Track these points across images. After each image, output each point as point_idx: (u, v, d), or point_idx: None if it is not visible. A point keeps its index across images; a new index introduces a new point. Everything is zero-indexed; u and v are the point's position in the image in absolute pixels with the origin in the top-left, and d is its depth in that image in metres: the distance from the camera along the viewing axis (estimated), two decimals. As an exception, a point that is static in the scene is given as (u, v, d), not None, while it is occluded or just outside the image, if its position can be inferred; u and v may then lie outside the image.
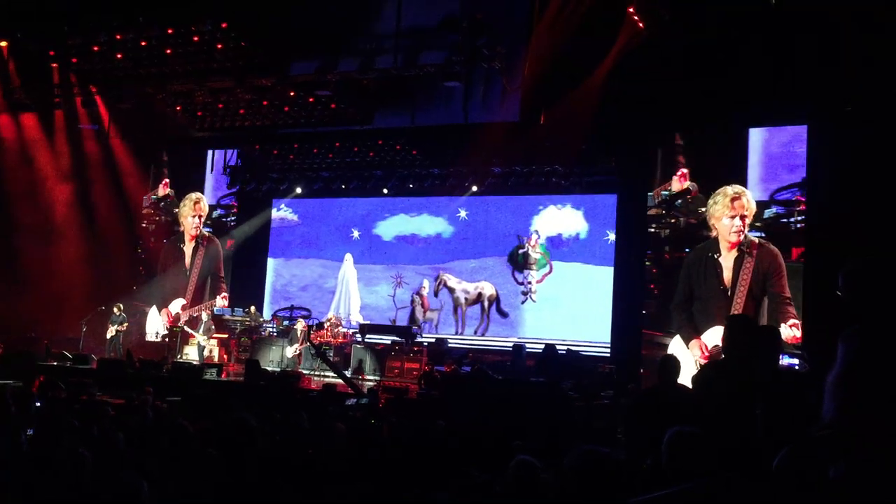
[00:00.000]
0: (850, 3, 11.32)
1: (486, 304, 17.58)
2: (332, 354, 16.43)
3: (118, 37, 14.26)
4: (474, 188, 17.36)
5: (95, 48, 14.72)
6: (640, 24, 13.23)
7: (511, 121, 14.08)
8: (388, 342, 16.67)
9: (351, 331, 17.61)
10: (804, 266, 13.62)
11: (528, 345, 15.06)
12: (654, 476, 3.77)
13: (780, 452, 3.01)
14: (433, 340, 16.76)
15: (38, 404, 8.76)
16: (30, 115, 17.80)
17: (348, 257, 19.15)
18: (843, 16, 11.35)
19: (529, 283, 17.28)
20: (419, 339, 16.58)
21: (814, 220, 13.63)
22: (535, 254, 17.29)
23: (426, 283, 18.20)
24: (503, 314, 17.49)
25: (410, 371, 15.59)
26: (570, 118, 13.97)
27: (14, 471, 4.97)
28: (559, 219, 17.43)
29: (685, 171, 14.67)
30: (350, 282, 19.07)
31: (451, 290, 17.86)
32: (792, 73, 12.34)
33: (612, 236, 16.63)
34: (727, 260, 13.91)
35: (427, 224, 18.55)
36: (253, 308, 17.93)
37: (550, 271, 17.20)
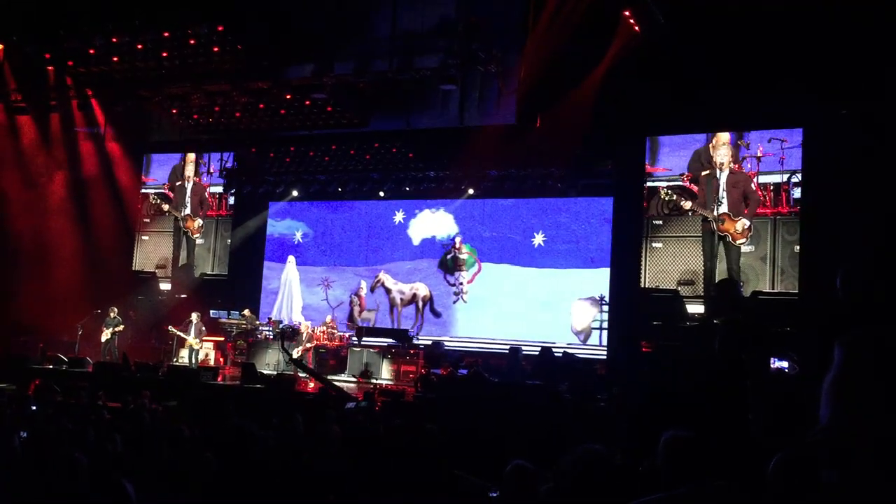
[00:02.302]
0: (847, 6, 11.37)
1: (420, 304, 18.20)
2: (327, 358, 16.46)
3: (114, 40, 14.29)
4: (470, 191, 17.38)
5: (91, 51, 14.74)
6: (636, 28, 13.26)
7: (507, 124, 14.10)
8: (384, 345, 16.65)
9: (347, 334, 17.61)
10: (799, 268, 13.65)
11: (493, 346, 15.93)
12: (650, 479, 3.77)
13: (775, 457, 3.02)
14: (429, 343, 16.75)
15: (33, 408, 8.77)
16: (26, 117, 17.76)
17: (291, 259, 19.65)
18: (838, 17, 11.39)
19: (461, 283, 17.93)
20: (416, 342, 16.58)
21: (809, 221, 13.62)
22: (463, 255, 17.96)
23: (364, 284, 18.81)
24: (436, 314, 18.09)
25: (407, 374, 15.58)
26: (566, 121, 13.98)
27: (7, 474, 4.96)
28: (433, 222, 18.43)
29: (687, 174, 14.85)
30: (293, 283, 19.58)
31: (388, 291, 18.49)
32: (788, 76, 12.35)
33: (538, 239, 17.24)
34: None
35: (367, 224, 19.21)
36: (248, 311, 17.89)
37: (480, 270, 17.84)
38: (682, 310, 13.47)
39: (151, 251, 20.30)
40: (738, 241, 14.26)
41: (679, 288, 14.44)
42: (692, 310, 13.74)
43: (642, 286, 14.80)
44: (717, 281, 13.87)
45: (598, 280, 16.46)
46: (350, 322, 18.37)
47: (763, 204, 14.16)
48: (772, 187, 14.19)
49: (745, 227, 14.16)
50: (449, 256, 18.07)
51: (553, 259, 17.14)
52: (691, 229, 14.75)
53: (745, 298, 12.30)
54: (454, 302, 17.98)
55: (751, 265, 14.20)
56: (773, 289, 13.89)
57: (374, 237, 19.03)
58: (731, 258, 14.38)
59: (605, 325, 16.20)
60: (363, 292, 18.74)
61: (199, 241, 19.80)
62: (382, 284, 18.48)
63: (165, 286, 19.57)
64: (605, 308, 16.15)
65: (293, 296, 19.47)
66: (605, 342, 16.15)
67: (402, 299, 18.31)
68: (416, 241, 18.54)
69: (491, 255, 17.75)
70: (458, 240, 18.01)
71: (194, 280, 19.31)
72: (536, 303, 16.98)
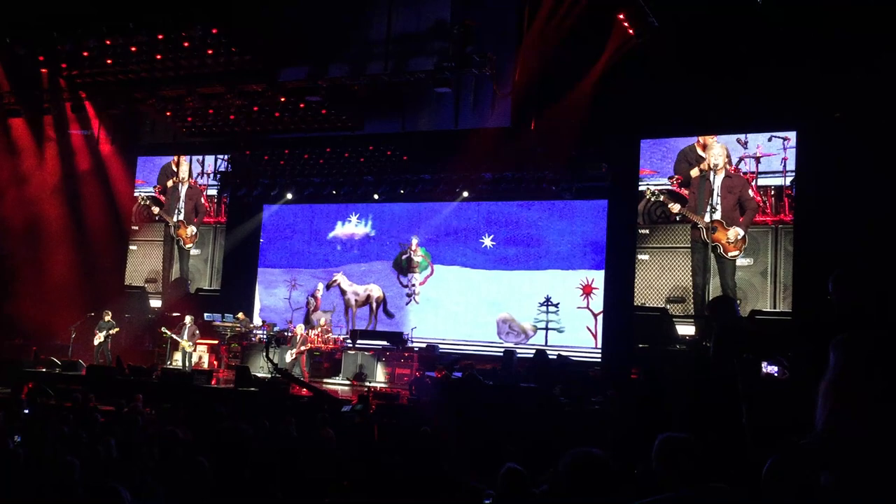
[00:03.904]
0: (841, 9, 11.39)
1: (374, 305, 18.56)
2: (321, 361, 16.46)
3: (108, 42, 14.25)
4: (465, 194, 17.36)
5: (85, 53, 14.70)
6: (630, 31, 13.29)
7: (501, 126, 14.10)
8: (379, 347, 16.65)
9: (341, 337, 17.60)
10: (793, 271, 13.01)
11: (487, 349, 16.23)
12: (646, 481, 3.78)
13: (769, 459, 3.03)
14: (424, 346, 16.75)
15: (26, 411, 8.75)
16: (19, 120, 17.71)
17: None
18: (833, 21, 11.42)
19: (413, 285, 18.24)
20: (410, 345, 16.57)
21: (802, 224, 13.23)
22: (417, 257, 18.29)
23: (320, 286, 19.10)
24: (389, 315, 18.38)
25: (401, 377, 15.56)
26: (560, 124, 13.99)
27: (2, 477, 4.95)
28: (351, 227, 18.97)
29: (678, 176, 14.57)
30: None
31: (343, 292, 18.85)
32: (781, 79, 12.35)
33: (487, 241, 17.48)
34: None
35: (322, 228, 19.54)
36: (242, 314, 17.84)
37: (432, 273, 18.12)
38: (671, 331, 12.49)
39: (140, 263, 19.82)
40: (730, 253, 13.10)
41: (668, 306, 13.42)
42: (683, 331, 12.68)
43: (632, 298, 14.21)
44: (710, 299, 12.63)
45: (547, 281, 16.74)
46: (305, 323, 18.45)
47: (763, 211, 12.96)
48: (773, 191, 12.92)
49: (739, 236, 13.03)
50: (404, 257, 18.40)
51: (501, 261, 17.43)
52: (681, 239, 13.78)
53: (742, 319, 11.38)
54: (406, 303, 18.21)
55: (749, 281, 12.94)
56: (774, 307, 12.57)
57: (332, 240, 19.24)
58: (726, 272, 13.11)
59: (552, 325, 16.35)
60: (319, 293, 19.03)
61: (193, 252, 19.44)
62: (338, 285, 18.82)
63: (156, 303, 19.14)
64: (553, 309, 16.34)
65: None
66: (551, 342, 16.16)
67: (356, 300, 18.66)
68: (337, 247, 19.03)
69: (442, 257, 18.05)
70: (414, 241, 18.27)
71: (189, 297, 18.84)
72: (486, 304, 17.30)
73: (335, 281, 18.78)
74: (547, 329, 16.51)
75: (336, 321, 18.50)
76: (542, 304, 16.63)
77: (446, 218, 18.08)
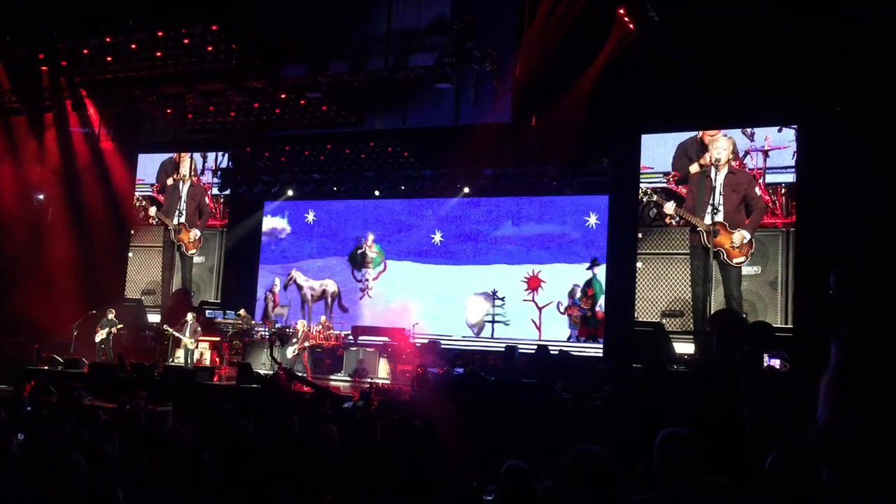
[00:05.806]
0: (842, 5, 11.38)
1: (329, 300, 18.95)
2: (323, 358, 16.47)
3: (108, 40, 14.25)
4: (466, 189, 17.34)
5: (85, 51, 14.70)
6: (631, 26, 13.27)
7: (502, 122, 14.09)
8: (381, 343, 16.65)
9: (343, 333, 17.61)
10: (794, 265, 12.53)
11: (489, 345, 16.42)
12: (648, 477, 3.78)
13: (771, 455, 3.03)
14: (426, 342, 16.75)
15: (28, 409, 8.75)
16: (20, 118, 17.70)
17: None
18: (834, 16, 11.40)
19: (366, 280, 18.52)
20: (412, 341, 16.58)
21: (804, 218, 12.92)
22: (372, 253, 18.67)
23: (277, 281, 19.35)
24: (344, 309, 18.73)
25: (403, 373, 15.56)
26: (561, 119, 13.98)
27: (6, 475, 4.96)
28: (274, 222, 19.47)
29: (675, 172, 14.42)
30: None
31: (300, 287, 19.18)
32: (781, 75, 12.31)
33: (437, 237, 17.77)
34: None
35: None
36: (244, 311, 17.82)
37: (385, 269, 18.44)
38: (667, 349, 11.55)
39: (137, 272, 19.36)
40: (735, 260, 12.00)
41: (664, 320, 12.32)
42: (681, 349, 11.68)
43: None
44: (712, 312, 11.69)
45: (493, 275, 17.04)
46: (264, 318, 18.56)
47: (772, 212, 11.90)
48: (783, 189, 11.75)
49: (744, 240, 11.99)
50: (359, 252, 18.70)
51: (449, 256, 17.75)
52: (678, 244, 12.72)
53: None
54: (360, 298, 18.46)
55: (756, 291, 11.82)
56: (784, 322, 11.41)
57: (291, 235, 19.46)
58: (731, 282, 11.96)
59: (498, 318, 16.63)
60: (276, 289, 19.25)
61: (197, 260, 19.06)
62: (294, 281, 19.12)
63: (154, 317, 18.51)
64: (498, 302, 16.71)
65: None
66: (496, 334, 16.48)
67: (312, 295, 18.99)
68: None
69: (395, 253, 18.31)
70: (370, 237, 18.57)
71: (191, 309, 17.71)
72: (436, 297, 17.57)
73: (291, 278, 19.08)
74: (493, 322, 16.74)
75: (293, 315, 18.71)
76: (488, 298, 16.88)
77: (399, 214, 18.41)
